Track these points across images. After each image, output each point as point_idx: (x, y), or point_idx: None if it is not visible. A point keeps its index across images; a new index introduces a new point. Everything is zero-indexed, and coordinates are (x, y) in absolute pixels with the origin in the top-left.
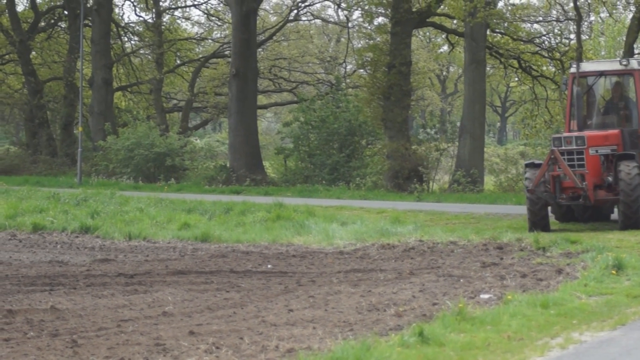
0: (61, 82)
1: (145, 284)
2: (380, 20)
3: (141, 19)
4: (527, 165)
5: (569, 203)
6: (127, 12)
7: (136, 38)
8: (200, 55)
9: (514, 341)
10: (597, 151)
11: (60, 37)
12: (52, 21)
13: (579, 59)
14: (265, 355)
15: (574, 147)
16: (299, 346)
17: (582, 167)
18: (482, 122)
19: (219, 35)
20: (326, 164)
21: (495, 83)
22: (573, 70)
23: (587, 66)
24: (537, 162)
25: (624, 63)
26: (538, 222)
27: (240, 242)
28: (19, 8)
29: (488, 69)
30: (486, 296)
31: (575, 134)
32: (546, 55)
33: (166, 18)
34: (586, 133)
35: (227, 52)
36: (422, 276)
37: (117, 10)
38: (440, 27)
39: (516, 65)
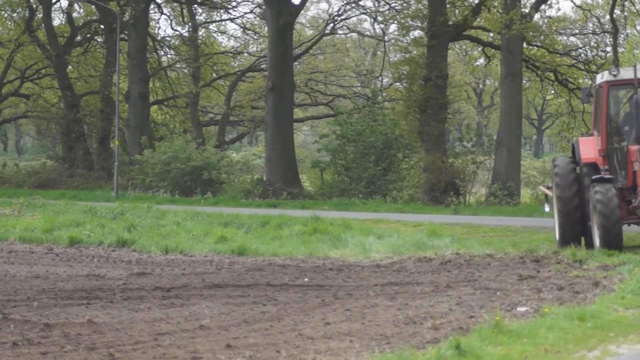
0: (97, 96)
1: (182, 297)
2: (416, 33)
3: (177, 32)
4: (595, 181)
5: None
6: (164, 26)
7: (172, 52)
8: (237, 69)
9: (551, 354)
10: None
11: (96, 51)
12: (89, 35)
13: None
14: None
15: None
16: (335, 359)
17: None
18: (518, 135)
19: (255, 49)
20: (362, 177)
21: (532, 96)
22: (610, 78)
23: (627, 73)
24: (606, 176)
25: None
26: (612, 243)
27: (277, 256)
28: (55, 22)
29: (524, 81)
30: (523, 309)
31: None
32: (582, 67)
33: (202, 32)
34: None
35: (263, 66)
36: (458, 289)
37: (153, 24)
38: (477, 40)
39: (552, 77)
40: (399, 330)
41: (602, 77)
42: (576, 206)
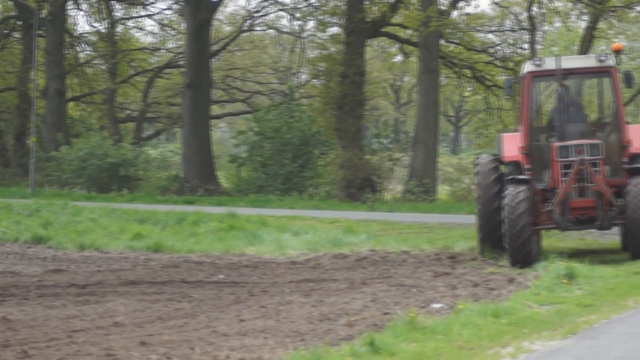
0: (14, 92)
1: (97, 294)
2: (334, 30)
3: (95, 29)
4: (509, 182)
5: (579, 229)
6: (81, 23)
7: (90, 48)
8: (154, 66)
9: (465, 350)
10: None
11: (13, 47)
12: (6, 31)
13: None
14: None
15: (589, 158)
16: (250, 356)
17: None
18: (435, 131)
19: (172, 45)
20: (279, 173)
21: (449, 93)
22: (533, 67)
23: (552, 63)
24: (520, 177)
25: (602, 59)
26: (519, 253)
27: (193, 253)
28: None
29: (442, 78)
30: (438, 306)
31: (589, 141)
32: (499, 64)
33: (119, 28)
34: (601, 141)
35: (180, 62)
36: (374, 286)
37: (70, 20)
38: (394, 37)
39: (470, 74)
40: (313, 327)
41: (526, 67)
42: (497, 208)
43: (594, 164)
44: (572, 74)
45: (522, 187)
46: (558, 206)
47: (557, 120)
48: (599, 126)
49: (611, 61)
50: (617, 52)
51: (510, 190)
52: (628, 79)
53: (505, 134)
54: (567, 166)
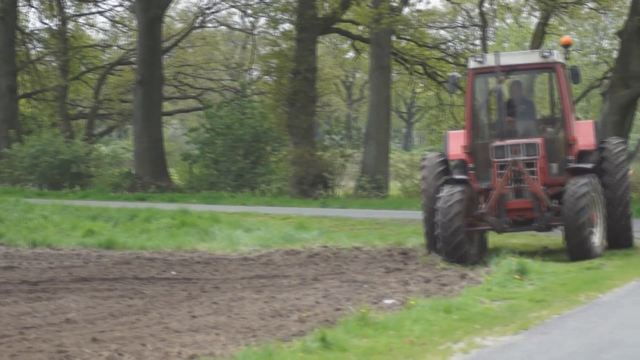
0: None
1: (49, 291)
2: (285, 26)
3: (46, 26)
4: (446, 182)
5: (516, 230)
6: (32, 19)
7: (41, 45)
8: (106, 62)
9: (417, 346)
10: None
11: None
12: None
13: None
14: None
15: (524, 158)
16: (201, 352)
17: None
18: (387, 128)
19: (124, 42)
20: (231, 170)
21: (401, 89)
22: (475, 64)
23: (492, 60)
24: (458, 177)
25: (545, 54)
26: (453, 256)
27: (145, 249)
28: None
29: (393, 75)
30: (389, 301)
31: (525, 140)
32: (452, 61)
33: (71, 25)
34: (539, 140)
35: (132, 59)
36: (325, 282)
37: (22, 17)
38: (346, 34)
39: (421, 71)
40: (265, 323)
41: (469, 64)
42: None
43: (531, 164)
44: (515, 71)
45: (457, 189)
46: (491, 208)
47: (497, 118)
48: (547, 123)
49: (555, 57)
50: (566, 46)
51: (444, 191)
52: (575, 74)
53: (451, 132)
54: (503, 166)
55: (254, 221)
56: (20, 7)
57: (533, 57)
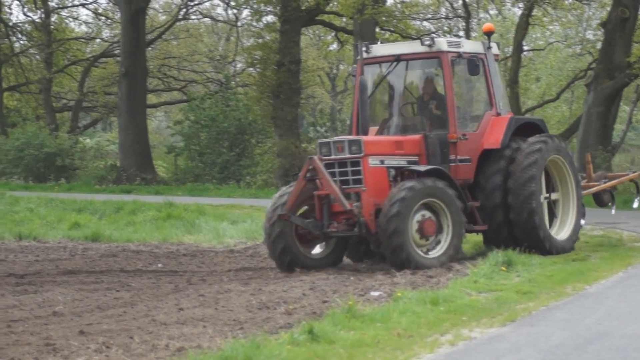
0: None
1: (36, 284)
2: (269, 18)
3: (29, 18)
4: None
5: (342, 234)
6: (16, 12)
7: (25, 38)
8: (90, 55)
9: (404, 338)
10: (382, 162)
11: None
12: None
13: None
14: (155, 354)
15: (348, 156)
16: (188, 345)
17: (360, 184)
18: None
19: (108, 34)
20: (216, 162)
21: None
22: (364, 54)
23: (380, 49)
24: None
25: (427, 43)
26: (282, 262)
27: (131, 242)
28: None
29: None
30: (376, 293)
31: (349, 137)
32: None
33: (55, 17)
34: (365, 137)
35: (116, 52)
36: (312, 274)
37: (5, 9)
38: (329, 25)
39: None
40: (252, 315)
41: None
42: None
43: (356, 163)
44: (400, 60)
45: (288, 190)
46: (289, 209)
47: (360, 114)
48: (436, 119)
49: (440, 45)
50: (488, 34)
51: (278, 193)
52: (472, 66)
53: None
54: (329, 165)
55: (240, 213)
56: (3, 0)
57: (417, 47)
